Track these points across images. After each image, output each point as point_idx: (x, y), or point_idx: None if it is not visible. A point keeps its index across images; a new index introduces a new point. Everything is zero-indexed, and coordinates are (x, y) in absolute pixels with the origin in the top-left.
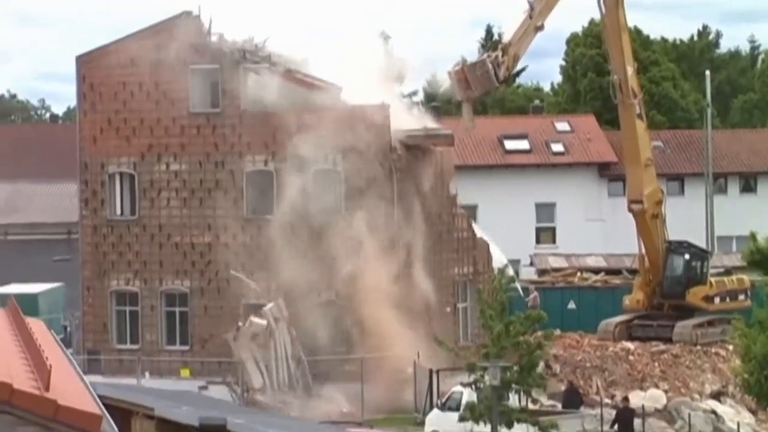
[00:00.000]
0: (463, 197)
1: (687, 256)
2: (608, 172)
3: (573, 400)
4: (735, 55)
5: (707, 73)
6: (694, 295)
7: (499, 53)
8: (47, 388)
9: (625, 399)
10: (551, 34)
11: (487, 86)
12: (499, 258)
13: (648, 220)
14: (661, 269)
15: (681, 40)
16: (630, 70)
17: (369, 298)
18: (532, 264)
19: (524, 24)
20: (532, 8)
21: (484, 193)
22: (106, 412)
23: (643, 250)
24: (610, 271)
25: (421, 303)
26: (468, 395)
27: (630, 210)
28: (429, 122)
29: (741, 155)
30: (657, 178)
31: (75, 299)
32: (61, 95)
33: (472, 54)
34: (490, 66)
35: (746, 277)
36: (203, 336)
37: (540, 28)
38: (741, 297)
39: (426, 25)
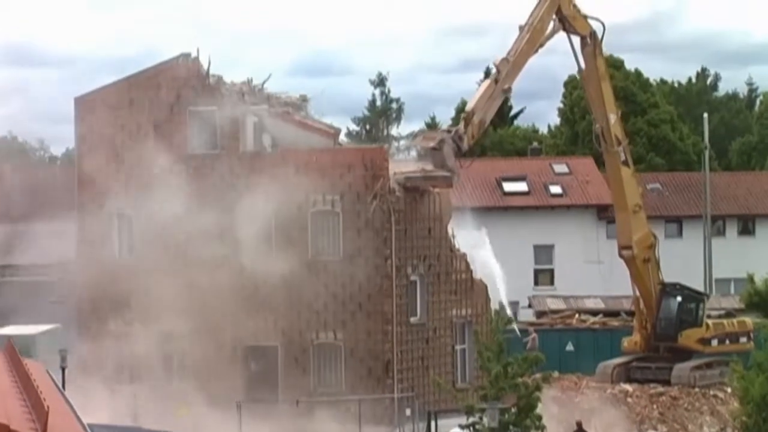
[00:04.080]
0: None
1: (680, 299)
2: (606, 215)
3: None
4: (733, 97)
5: (705, 115)
6: (688, 338)
7: (461, 125)
8: (44, 430)
9: None
10: (542, 75)
11: (453, 162)
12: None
13: (639, 266)
14: (655, 312)
15: (679, 83)
16: (613, 118)
17: (370, 339)
18: (530, 306)
19: (489, 89)
20: (498, 72)
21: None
22: None
23: (638, 293)
24: (608, 313)
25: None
26: None
27: (621, 256)
28: (427, 164)
29: (739, 198)
30: (655, 221)
31: (72, 340)
32: (59, 136)
33: (469, 93)
34: (450, 143)
35: (749, 320)
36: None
37: (507, 90)
38: (743, 340)
39: (420, 66)
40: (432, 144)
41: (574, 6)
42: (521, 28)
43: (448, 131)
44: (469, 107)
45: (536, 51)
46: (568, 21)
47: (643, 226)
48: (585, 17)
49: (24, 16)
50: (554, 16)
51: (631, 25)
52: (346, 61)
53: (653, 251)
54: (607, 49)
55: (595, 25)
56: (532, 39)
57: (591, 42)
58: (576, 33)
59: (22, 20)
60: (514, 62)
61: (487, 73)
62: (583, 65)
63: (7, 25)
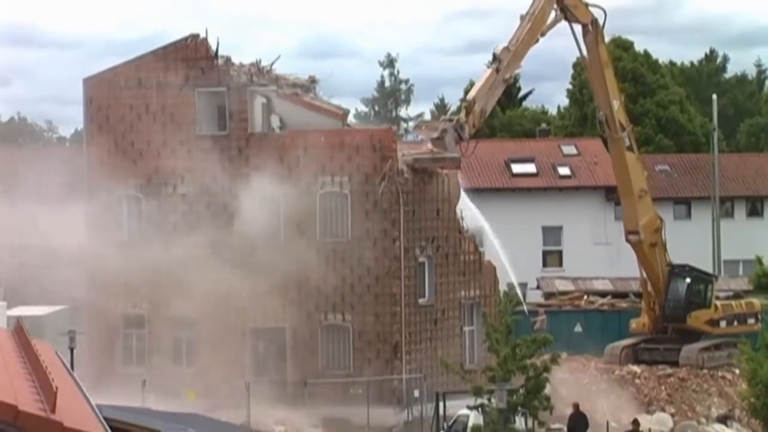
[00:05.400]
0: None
1: (688, 280)
2: (615, 196)
3: (579, 423)
4: (741, 79)
5: (714, 97)
6: (696, 319)
7: (462, 114)
8: (53, 410)
9: (635, 422)
10: (550, 57)
11: (455, 150)
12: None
13: (646, 250)
14: (663, 293)
15: (691, 62)
16: (616, 104)
17: (379, 321)
18: (538, 287)
19: (490, 78)
20: (499, 61)
21: (490, 217)
22: None
23: (645, 275)
24: (616, 295)
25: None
26: (475, 418)
27: (628, 241)
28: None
29: (748, 179)
30: (663, 202)
31: (82, 322)
32: (68, 117)
33: (476, 75)
34: (452, 132)
35: (757, 301)
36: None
37: (508, 80)
38: (751, 321)
39: (426, 49)
40: (434, 134)
41: None
42: (522, 18)
43: (450, 120)
44: (470, 96)
45: (537, 40)
46: (570, 10)
47: (648, 210)
48: (586, 5)
49: None
50: (555, 6)
51: (636, 8)
52: (351, 44)
53: (660, 235)
54: (614, 32)
55: (597, 13)
56: (533, 28)
57: (593, 30)
58: (577, 21)
59: (27, 1)
60: (515, 52)
61: (495, 57)
62: (585, 53)
63: (11, 6)
